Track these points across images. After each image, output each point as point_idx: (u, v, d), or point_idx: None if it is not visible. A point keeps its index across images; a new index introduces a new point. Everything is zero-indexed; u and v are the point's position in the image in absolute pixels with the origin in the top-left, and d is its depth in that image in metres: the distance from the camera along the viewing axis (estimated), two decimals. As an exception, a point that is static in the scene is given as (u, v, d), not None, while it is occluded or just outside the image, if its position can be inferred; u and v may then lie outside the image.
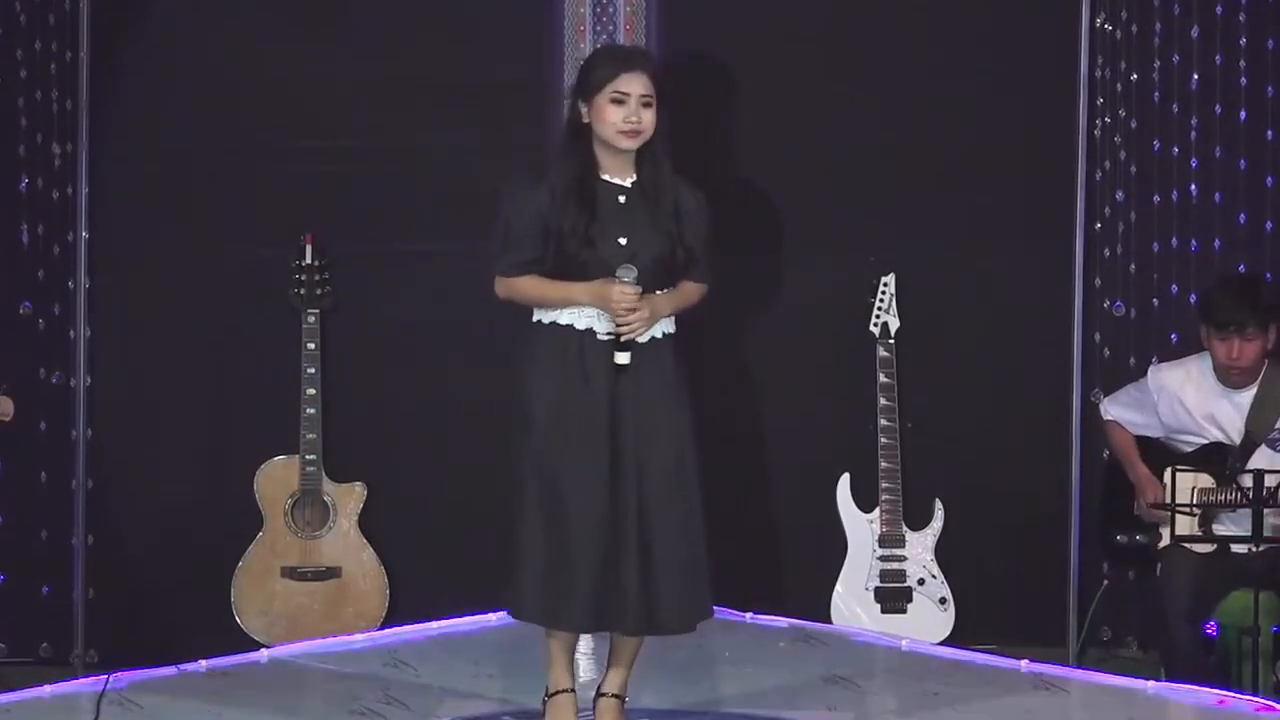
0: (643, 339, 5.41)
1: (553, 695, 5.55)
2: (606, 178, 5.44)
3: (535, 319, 5.47)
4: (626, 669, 5.54)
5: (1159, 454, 6.84)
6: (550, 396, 5.40)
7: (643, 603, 5.36)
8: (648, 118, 5.39)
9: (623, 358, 5.38)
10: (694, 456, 5.46)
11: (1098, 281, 7.60)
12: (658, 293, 5.43)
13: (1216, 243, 7.50)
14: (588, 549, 5.34)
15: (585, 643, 5.96)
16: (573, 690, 5.55)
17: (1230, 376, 6.73)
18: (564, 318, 5.42)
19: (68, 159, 7.41)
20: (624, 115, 5.37)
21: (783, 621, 6.78)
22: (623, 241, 5.38)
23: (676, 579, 5.38)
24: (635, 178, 5.45)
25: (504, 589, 5.47)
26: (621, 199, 5.43)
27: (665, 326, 5.48)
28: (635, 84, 5.38)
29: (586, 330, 5.40)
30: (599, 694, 5.57)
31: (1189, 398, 6.80)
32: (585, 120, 5.42)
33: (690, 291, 5.52)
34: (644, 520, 5.35)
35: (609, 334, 5.38)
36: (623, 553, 5.34)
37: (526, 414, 5.41)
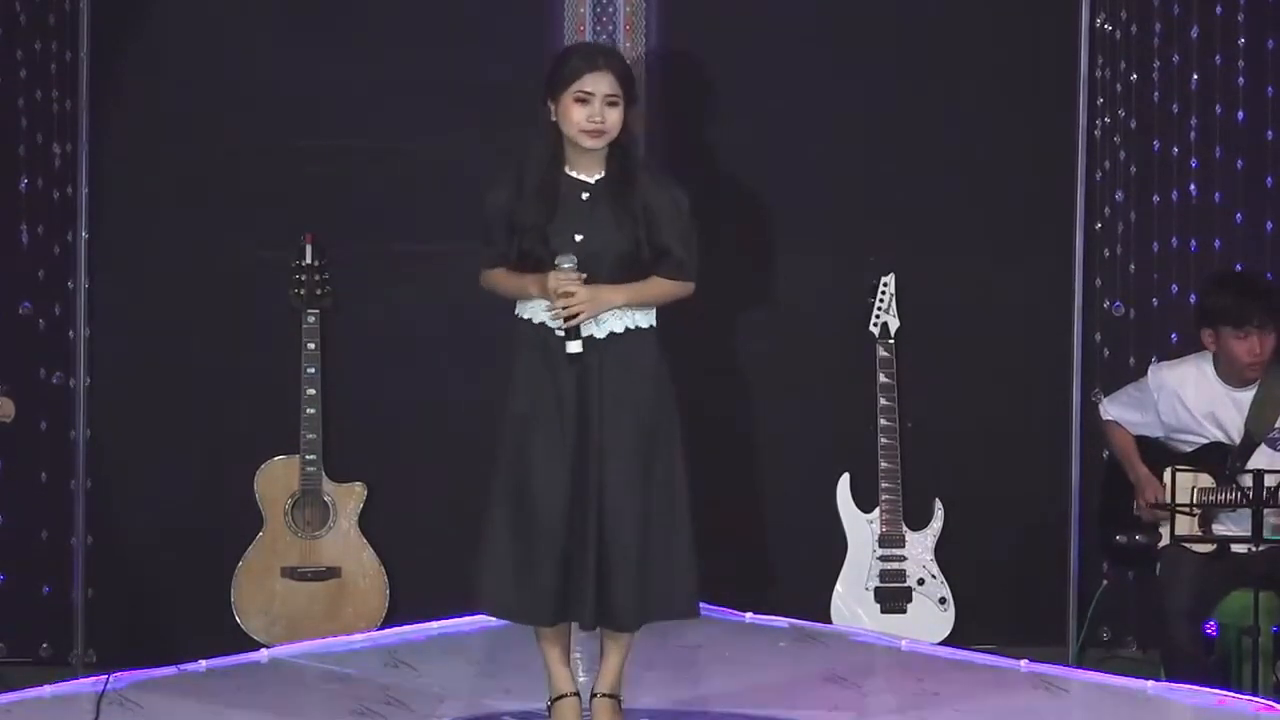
0: (600, 333, 5.40)
1: (555, 700, 5.56)
2: (573, 174, 5.45)
3: (515, 313, 5.52)
4: (619, 667, 5.53)
5: (1159, 454, 6.84)
6: (520, 391, 5.45)
7: (599, 597, 5.36)
8: (612, 117, 5.39)
9: (574, 346, 5.37)
10: (673, 454, 5.45)
11: (1098, 281, 7.60)
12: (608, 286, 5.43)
13: (1216, 243, 7.51)
14: (551, 542, 5.36)
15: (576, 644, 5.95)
16: (575, 694, 5.55)
17: (1248, 373, 6.72)
18: (526, 312, 5.47)
19: (68, 159, 7.41)
20: (588, 114, 5.38)
21: (783, 621, 6.78)
22: (579, 238, 5.39)
23: (631, 575, 5.37)
24: (602, 174, 5.46)
25: (473, 583, 5.49)
26: (585, 196, 5.44)
27: (638, 320, 5.46)
28: (600, 83, 5.38)
29: (542, 324, 5.43)
30: (593, 694, 5.56)
31: (1189, 397, 6.80)
32: (553, 118, 5.44)
33: (661, 287, 5.47)
34: (601, 515, 5.36)
35: (561, 330, 5.40)
36: (584, 546, 5.35)
37: (502, 408, 5.48)
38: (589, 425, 5.39)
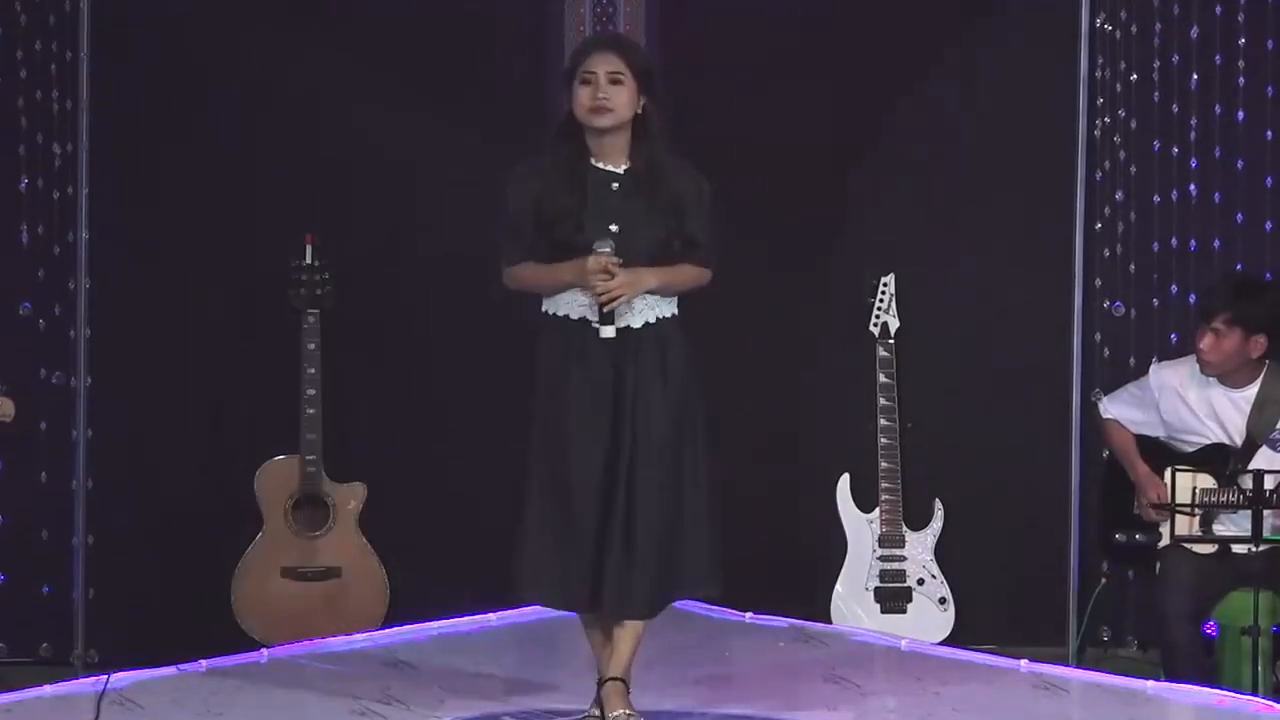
0: (636, 323, 5.41)
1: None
2: (600, 165, 5.45)
3: (543, 309, 5.49)
4: (631, 652, 5.51)
5: (1160, 454, 6.84)
6: (553, 385, 5.42)
7: (624, 585, 5.37)
8: (618, 95, 5.40)
9: (607, 331, 5.37)
10: (694, 442, 5.46)
11: (1098, 281, 7.60)
12: (652, 298, 5.43)
13: (1216, 243, 7.51)
14: (586, 531, 5.36)
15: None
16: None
17: (1206, 369, 6.73)
18: (560, 309, 5.44)
19: (68, 159, 7.41)
20: (591, 94, 5.39)
21: (783, 621, 6.78)
22: (614, 228, 5.39)
23: (656, 565, 5.39)
24: (629, 165, 5.46)
25: (512, 573, 5.49)
26: (615, 186, 5.44)
27: (666, 309, 5.47)
28: (601, 62, 5.40)
29: (580, 319, 5.41)
30: (604, 679, 5.53)
31: (1191, 396, 6.80)
32: (570, 110, 5.45)
33: (688, 272, 5.50)
34: (632, 506, 5.36)
35: (595, 318, 5.39)
36: (620, 536, 5.36)
37: (535, 402, 5.45)
38: (624, 415, 5.39)
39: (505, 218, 5.48)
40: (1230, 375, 6.74)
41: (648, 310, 5.44)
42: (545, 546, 5.41)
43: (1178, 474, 6.60)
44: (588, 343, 5.41)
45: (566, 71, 5.47)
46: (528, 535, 5.44)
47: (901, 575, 7.28)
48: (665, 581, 5.43)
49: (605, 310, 5.37)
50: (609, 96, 5.38)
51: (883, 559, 7.28)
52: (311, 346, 7.23)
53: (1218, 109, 7.48)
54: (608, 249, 5.35)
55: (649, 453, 5.39)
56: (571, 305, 5.43)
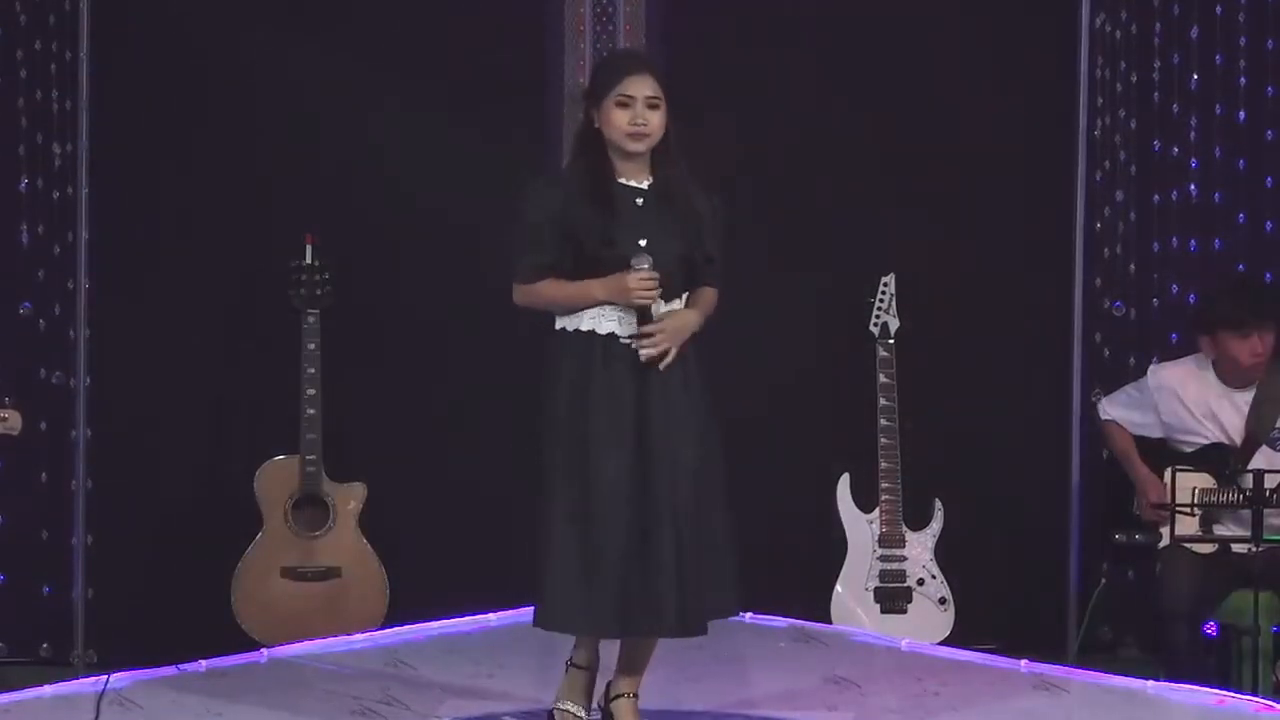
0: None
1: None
2: (623, 181, 5.42)
3: (558, 327, 5.41)
4: (644, 668, 5.49)
5: (1159, 454, 6.84)
6: (577, 403, 5.33)
7: (671, 604, 5.33)
8: (654, 119, 5.37)
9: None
10: (718, 458, 5.47)
11: (1098, 281, 7.60)
12: (679, 303, 5.40)
13: (1216, 243, 7.51)
14: (619, 553, 5.30)
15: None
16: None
17: (1251, 374, 6.73)
18: (585, 324, 5.37)
19: (68, 159, 7.42)
20: (630, 118, 5.36)
21: (783, 621, 6.78)
22: (642, 243, 5.35)
23: (697, 582, 5.35)
24: (651, 181, 5.44)
25: (533, 600, 5.39)
26: (639, 201, 5.40)
27: None
28: (640, 86, 5.37)
29: (609, 335, 5.37)
30: (617, 695, 5.50)
31: (1190, 396, 6.80)
32: (596, 126, 5.42)
33: (710, 295, 5.51)
34: (675, 524, 5.32)
35: (630, 337, 5.36)
36: (652, 554, 5.31)
37: (553, 421, 5.36)
38: (650, 436, 5.34)
39: (521, 232, 5.40)
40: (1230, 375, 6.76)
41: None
42: (573, 574, 5.31)
43: (1178, 474, 6.60)
44: (613, 358, 5.36)
45: (596, 87, 5.40)
46: (554, 562, 5.33)
47: (901, 575, 7.28)
48: (709, 596, 5.40)
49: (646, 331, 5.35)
50: (646, 122, 5.35)
51: (883, 559, 7.28)
52: (311, 346, 7.23)
53: (1218, 109, 7.49)
54: (646, 264, 5.32)
55: (683, 469, 5.36)
56: (599, 320, 5.37)
